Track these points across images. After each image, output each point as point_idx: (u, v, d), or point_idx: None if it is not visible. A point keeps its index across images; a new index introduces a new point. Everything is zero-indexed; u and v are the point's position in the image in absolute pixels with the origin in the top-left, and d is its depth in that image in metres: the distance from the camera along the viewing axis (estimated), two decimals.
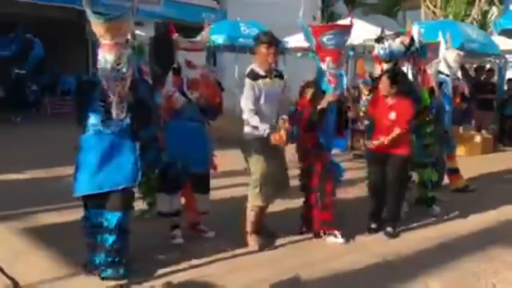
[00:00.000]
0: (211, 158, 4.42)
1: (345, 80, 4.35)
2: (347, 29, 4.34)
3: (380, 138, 4.49)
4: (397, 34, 4.91)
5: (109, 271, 3.44)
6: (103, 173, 3.41)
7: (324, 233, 4.39)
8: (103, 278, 3.43)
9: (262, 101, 4.00)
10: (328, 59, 4.17)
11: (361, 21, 9.54)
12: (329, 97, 4.13)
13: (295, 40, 9.32)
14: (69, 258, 3.75)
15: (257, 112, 3.96)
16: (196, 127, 4.17)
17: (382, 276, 3.73)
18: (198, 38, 4.48)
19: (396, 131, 4.42)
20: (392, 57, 4.85)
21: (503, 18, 7.18)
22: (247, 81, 3.98)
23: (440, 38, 6.04)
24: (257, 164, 4.03)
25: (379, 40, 4.95)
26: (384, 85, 4.49)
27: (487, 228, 4.96)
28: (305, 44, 4.90)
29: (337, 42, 4.18)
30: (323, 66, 4.20)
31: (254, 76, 4.00)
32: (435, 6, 13.85)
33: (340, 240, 4.35)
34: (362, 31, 8.98)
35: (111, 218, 3.43)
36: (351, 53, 9.13)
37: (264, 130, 3.88)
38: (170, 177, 4.07)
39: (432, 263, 3.97)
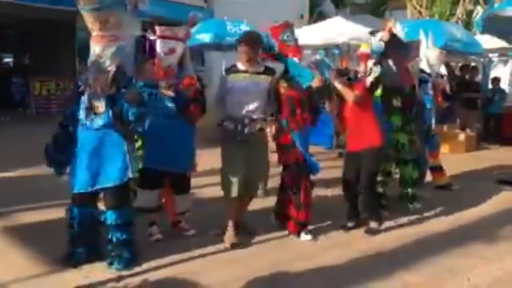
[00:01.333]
0: (192, 157, 4.39)
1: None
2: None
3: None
4: (375, 32, 4.95)
5: (117, 264, 3.57)
6: (93, 171, 3.50)
7: (301, 234, 4.40)
8: (117, 269, 3.55)
9: (233, 94, 4.10)
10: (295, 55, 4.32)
11: (345, 20, 9.61)
12: (315, 82, 4.22)
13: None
14: (48, 257, 3.75)
15: (228, 104, 4.10)
16: (174, 124, 4.06)
17: (360, 272, 3.76)
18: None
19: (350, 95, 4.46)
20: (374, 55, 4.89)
21: (481, 18, 7.28)
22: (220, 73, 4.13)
23: (422, 36, 6.12)
24: (222, 155, 4.17)
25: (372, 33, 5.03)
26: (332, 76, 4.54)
27: (466, 225, 5.02)
28: None
29: (294, 38, 4.40)
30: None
31: (228, 70, 4.16)
32: (421, 6, 13.97)
33: (309, 236, 4.38)
34: (347, 30, 9.05)
35: (110, 216, 3.53)
36: (336, 51, 9.18)
37: (222, 122, 4.01)
38: (150, 172, 4.08)
39: (410, 259, 4.01)
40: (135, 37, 4.19)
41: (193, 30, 10.99)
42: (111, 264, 3.59)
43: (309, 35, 8.98)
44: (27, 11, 11.54)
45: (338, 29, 9.33)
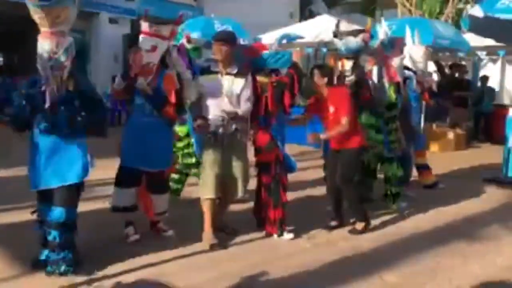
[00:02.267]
0: (169, 156, 4.30)
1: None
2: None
3: (326, 133, 4.47)
4: (357, 32, 4.86)
5: (52, 267, 3.39)
6: (49, 169, 3.39)
7: (281, 234, 4.33)
8: (47, 273, 3.38)
9: (207, 94, 4.03)
10: None
11: (334, 18, 9.54)
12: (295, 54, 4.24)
13: (269, 37, 9.29)
14: (22, 258, 3.65)
15: (203, 105, 4.02)
16: (153, 122, 3.98)
17: (340, 271, 3.70)
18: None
19: (339, 127, 4.34)
20: (352, 54, 4.80)
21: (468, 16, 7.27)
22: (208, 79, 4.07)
23: (408, 34, 6.07)
24: (202, 156, 4.10)
25: (335, 35, 4.92)
26: (315, 76, 4.45)
27: (451, 224, 4.97)
28: None
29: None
30: None
31: (202, 70, 4.09)
32: (410, 5, 13.95)
33: (290, 236, 4.32)
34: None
35: (55, 213, 3.39)
36: (324, 49, 9.13)
37: (195, 122, 3.94)
38: (126, 171, 3.99)
39: (392, 259, 3.95)
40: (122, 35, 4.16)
41: (180, 27, 10.96)
42: (51, 271, 3.38)
43: (298, 32, 8.91)
44: (19, 9, 11.36)
45: (327, 27, 9.28)
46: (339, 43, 4.84)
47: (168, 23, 4.01)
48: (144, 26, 3.94)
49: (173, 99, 3.94)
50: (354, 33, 4.78)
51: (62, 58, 3.30)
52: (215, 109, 4.01)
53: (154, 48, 3.94)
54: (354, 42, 4.72)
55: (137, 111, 4.02)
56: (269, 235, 4.35)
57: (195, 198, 4.93)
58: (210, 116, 4.00)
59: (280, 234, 4.31)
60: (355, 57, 4.78)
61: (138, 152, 3.96)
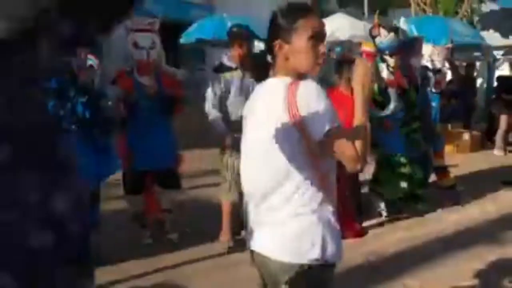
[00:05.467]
0: (175, 154, 4.16)
1: None
2: None
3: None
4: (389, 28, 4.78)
5: None
6: None
7: None
8: None
9: (232, 94, 3.89)
10: None
11: (348, 17, 9.47)
12: None
13: None
14: None
15: (226, 106, 3.85)
16: (155, 121, 3.86)
17: (362, 275, 3.63)
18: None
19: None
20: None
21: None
22: (211, 74, 3.92)
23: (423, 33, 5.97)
24: (223, 161, 3.95)
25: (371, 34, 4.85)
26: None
27: (470, 227, 4.86)
28: None
29: None
30: None
31: (217, 68, 3.95)
32: (425, 4, 13.81)
33: None
34: (349, 27, 8.91)
35: None
36: (337, 49, 9.01)
37: (219, 126, 3.79)
38: (133, 177, 3.92)
39: (412, 263, 3.87)
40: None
41: (193, 27, 10.94)
42: None
43: None
44: None
45: (340, 26, 9.20)
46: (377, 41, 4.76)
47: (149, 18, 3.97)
48: (137, 22, 3.83)
49: (181, 94, 3.88)
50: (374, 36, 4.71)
51: None
52: (237, 109, 3.92)
53: (154, 44, 3.86)
54: (390, 38, 4.65)
55: (141, 112, 3.84)
56: None
57: (213, 199, 4.89)
58: (232, 118, 3.87)
59: None
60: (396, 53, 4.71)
61: (145, 152, 3.83)
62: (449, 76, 7.81)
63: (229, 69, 3.91)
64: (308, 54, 1.63)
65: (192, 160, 4.49)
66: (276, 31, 1.67)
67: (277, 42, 1.66)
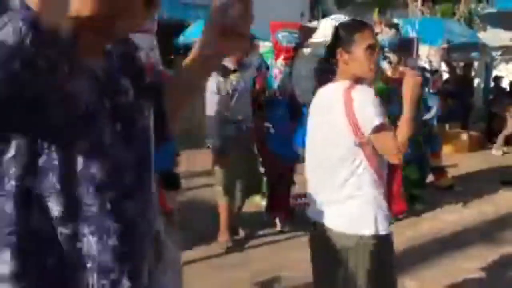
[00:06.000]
0: (175, 154, 4.19)
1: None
2: (300, 29, 4.55)
3: None
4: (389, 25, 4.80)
5: None
6: None
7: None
8: None
9: (235, 97, 3.89)
10: (281, 56, 4.35)
11: (344, 17, 9.47)
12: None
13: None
14: None
15: (224, 107, 3.86)
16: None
17: None
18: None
19: None
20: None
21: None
22: (215, 77, 3.84)
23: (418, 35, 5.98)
24: (220, 163, 3.94)
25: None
26: None
27: (468, 227, 4.87)
28: None
29: (288, 40, 4.38)
30: (277, 62, 4.33)
31: (223, 71, 3.87)
32: (422, 5, 13.85)
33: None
34: None
35: None
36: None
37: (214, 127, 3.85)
38: None
39: (410, 263, 3.87)
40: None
41: (194, 27, 10.94)
42: None
43: None
44: None
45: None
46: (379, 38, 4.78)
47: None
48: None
49: None
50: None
51: None
52: (239, 109, 3.93)
53: (153, 46, 3.84)
54: (392, 35, 4.68)
55: None
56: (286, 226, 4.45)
57: (211, 199, 4.90)
58: (232, 118, 3.87)
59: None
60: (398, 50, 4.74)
61: None
62: (445, 76, 7.86)
63: (228, 70, 3.91)
64: (364, 62, 2.01)
65: (190, 161, 4.48)
66: (338, 41, 2.05)
67: (339, 50, 2.03)
